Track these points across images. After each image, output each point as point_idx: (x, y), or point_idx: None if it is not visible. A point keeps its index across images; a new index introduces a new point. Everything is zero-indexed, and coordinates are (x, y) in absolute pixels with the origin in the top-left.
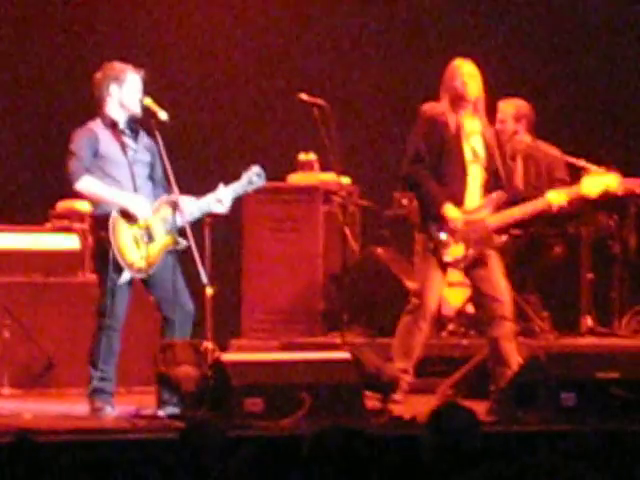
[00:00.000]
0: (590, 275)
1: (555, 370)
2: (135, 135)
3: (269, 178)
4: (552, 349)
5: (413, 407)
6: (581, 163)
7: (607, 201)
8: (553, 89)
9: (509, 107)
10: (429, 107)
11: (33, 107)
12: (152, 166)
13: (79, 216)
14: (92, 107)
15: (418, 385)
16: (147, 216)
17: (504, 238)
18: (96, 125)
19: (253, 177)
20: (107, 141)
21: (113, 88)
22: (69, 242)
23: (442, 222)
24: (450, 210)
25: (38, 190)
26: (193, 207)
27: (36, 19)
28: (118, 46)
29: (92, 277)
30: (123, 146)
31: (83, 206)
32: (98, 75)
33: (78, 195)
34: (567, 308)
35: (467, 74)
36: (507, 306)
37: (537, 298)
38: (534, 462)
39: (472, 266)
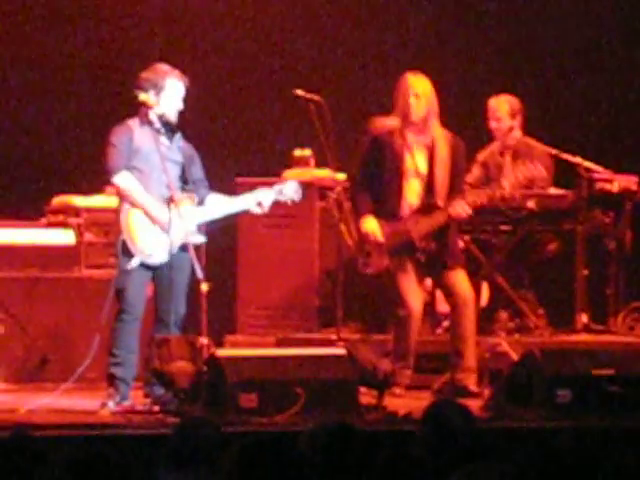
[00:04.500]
0: (585, 272)
1: (550, 367)
2: (171, 135)
3: (263, 174)
4: (547, 346)
5: (408, 403)
6: (577, 160)
7: (602, 198)
8: (545, 85)
9: (504, 104)
10: (378, 123)
11: (28, 101)
12: (184, 167)
13: (74, 211)
14: (89, 103)
15: (413, 381)
16: (170, 229)
17: (433, 245)
18: (133, 122)
19: (284, 188)
20: (142, 136)
21: (150, 94)
22: (64, 237)
23: (362, 235)
24: (366, 222)
25: (34, 185)
26: (225, 204)
27: (37, 11)
28: (115, 40)
29: (88, 272)
30: (156, 143)
31: (78, 201)
32: (142, 75)
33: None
34: (562, 305)
35: (415, 94)
36: (417, 305)
37: (532, 295)
38: (527, 458)
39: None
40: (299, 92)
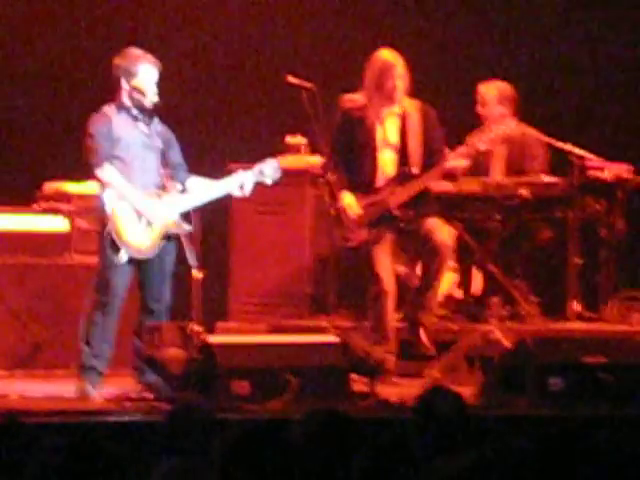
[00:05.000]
0: (577, 260)
1: (542, 355)
2: (148, 121)
3: (256, 161)
4: (539, 334)
5: (400, 391)
6: (569, 147)
7: (595, 186)
8: (537, 72)
9: (491, 90)
10: (347, 100)
11: (20, 88)
12: (164, 152)
13: (66, 197)
14: (80, 88)
15: (406, 369)
16: (156, 221)
17: (411, 213)
18: (111, 110)
19: (264, 168)
20: (120, 125)
21: (123, 80)
22: (56, 223)
23: (341, 210)
24: (344, 198)
25: (25, 171)
26: (207, 189)
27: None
28: (107, 27)
29: (79, 259)
30: (136, 131)
31: (70, 187)
32: (115, 61)
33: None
34: (554, 293)
35: (399, 76)
36: (390, 283)
37: (524, 283)
38: (519, 445)
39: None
40: (291, 79)
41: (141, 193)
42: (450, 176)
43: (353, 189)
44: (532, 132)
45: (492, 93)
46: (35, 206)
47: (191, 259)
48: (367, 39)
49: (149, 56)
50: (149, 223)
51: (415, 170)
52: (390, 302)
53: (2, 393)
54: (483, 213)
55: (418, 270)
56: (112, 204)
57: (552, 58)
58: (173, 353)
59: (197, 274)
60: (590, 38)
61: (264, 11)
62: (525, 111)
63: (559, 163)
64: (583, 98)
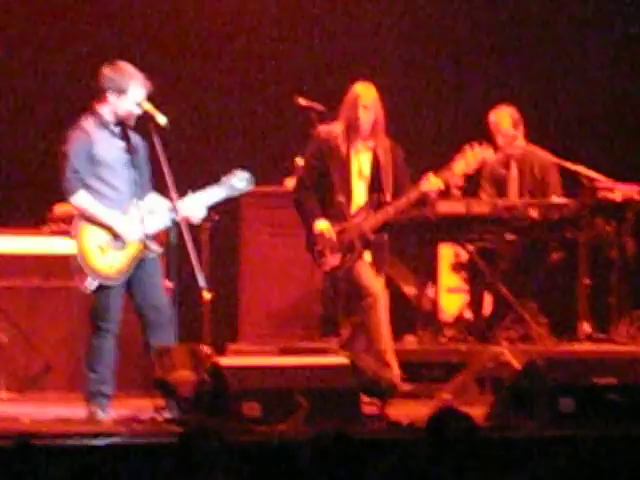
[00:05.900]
0: (587, 281)
1: (553, 376)
2: (126, 135)
3: (267, 182)
4: (550, 355)
5: (411, 412)
6: (578, 169)
7: (604, 207)
8: (545, 94)
9: (505, 117)
10: (323, 130)
11: (31, 108)
12: (140, 166)
13: None
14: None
15: (416, 390)
16: (135, 239)
17: (385, 237)
18: (90, 125)
19: (234, 181)
20: (103, 145)
21: (111, 96)
22: (67, 246)
23: (316, 236)
24: (319, 224)
25: (36, 193)
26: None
27: (38, 19)
28: (116, 45)
29: None
30: (115, 149)
31: None
32: (104, 71)
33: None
34: (565, 314)
35: (364, 107)
36: (381, 292)
37: (535, 304)
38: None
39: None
40: (301, 100)
41: (118, 214)
42: (423, 201)
43: (326, 217)
44: (542, 154)
45: (506, 120)
46: (46, 228)
47: (201, 281)
48: (376, 62)
49: (140, 75)
50: (123, 247)
51: (387, 197)
52: (381, 308)
53: (13, 415)
54: (493, 234)
55: (429, 292)
56: (81, 230)
57: (560, 79)
58: (183, 375)
59: (207, 296)
60: (598, 57)
61: (274, 32)
62: (534, 132)
63: (569, 184)
64: (593, 119)
